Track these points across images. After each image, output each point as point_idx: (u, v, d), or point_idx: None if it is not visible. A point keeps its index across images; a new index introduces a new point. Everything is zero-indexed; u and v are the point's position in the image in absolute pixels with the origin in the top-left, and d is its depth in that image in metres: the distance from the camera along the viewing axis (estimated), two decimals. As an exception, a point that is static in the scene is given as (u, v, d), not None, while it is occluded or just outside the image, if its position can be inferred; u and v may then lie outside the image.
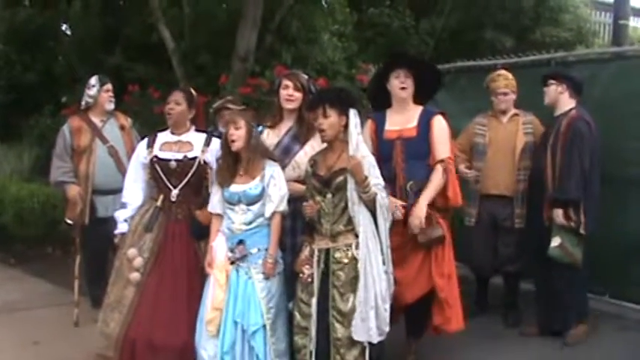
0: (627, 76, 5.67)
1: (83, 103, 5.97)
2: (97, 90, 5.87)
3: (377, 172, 3.99)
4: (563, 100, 5.17)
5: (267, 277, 4.10)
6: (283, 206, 4.15)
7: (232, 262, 4.09)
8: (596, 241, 5.22)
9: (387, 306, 3.95)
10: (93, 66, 9.52)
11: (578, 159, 4.93)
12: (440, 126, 4.52)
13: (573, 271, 5.04)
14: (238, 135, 4.09)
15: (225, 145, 4.16)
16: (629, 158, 5.51)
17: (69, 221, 5.80)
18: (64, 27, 12.69)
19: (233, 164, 4.17)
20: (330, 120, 3.99)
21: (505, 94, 5.50)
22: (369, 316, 3.86)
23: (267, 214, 4.14)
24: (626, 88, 5.62)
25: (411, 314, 4.67)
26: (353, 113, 3.99)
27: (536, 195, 5.23)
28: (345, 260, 3.94)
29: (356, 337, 3.88)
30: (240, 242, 4.08)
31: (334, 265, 3.96)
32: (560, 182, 5.00)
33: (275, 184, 4.14)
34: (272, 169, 4.18)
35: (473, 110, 5.92)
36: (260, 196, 4.12)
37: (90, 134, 5.82)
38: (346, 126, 4.00)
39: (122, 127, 5.99)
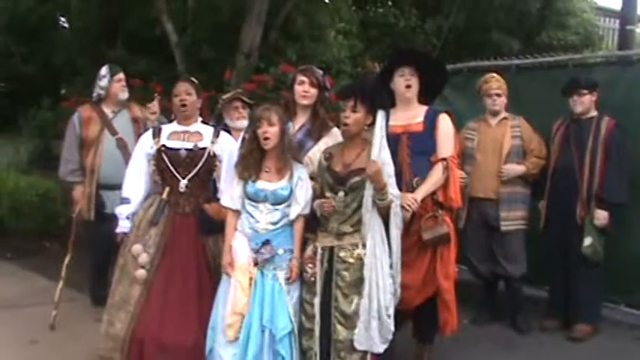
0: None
1: (95, 95, 5.81)
2: (108, 80, 5.71)
3: (393, 181, 3.84)
4: (592, 107, 5.39)
5: (292, 280, 3.95)
6: (308, 210, 4.00)
7: (256, 264, 3.90)
8: (613, 250, 5.28)
9: (391, 312, 3.81)
10: (93, 58, 9.35)
11: (626, 165, 5.22)
12: (445, 124, 4.41)
13: (596, 269, 5.26)
14: (272, 132, 3.93)
15: (255, 140, 3.98)
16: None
17: (73, 215, 5.66)
18: (63, 19, 12.61)
19: (259, 160, 4.00)
20: (357, 115, 3.85)
21: (498, 95, 5.52)
22: (372, 326, 3.73)
23: (293, 216, 3.98)
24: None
25: (420, 318, 4.54)
26: (381, 115, 3.83)
27: (564, 195, 5.33)
28: (351, 260, 3.80)
29: (358, 346, 3.75)
30: (267, 242, 3.91)
31: (338, 265, 3.83)
32: (609, 186, 5.19)
33: (302, 187, 4.00)
34: (300, 170, 4.04)
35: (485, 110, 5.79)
36: (288, 197, 3.98)
37: (99, 125, 5.68)
38: (370, 125, 3.85)
39: (135, 120, 5.81)
